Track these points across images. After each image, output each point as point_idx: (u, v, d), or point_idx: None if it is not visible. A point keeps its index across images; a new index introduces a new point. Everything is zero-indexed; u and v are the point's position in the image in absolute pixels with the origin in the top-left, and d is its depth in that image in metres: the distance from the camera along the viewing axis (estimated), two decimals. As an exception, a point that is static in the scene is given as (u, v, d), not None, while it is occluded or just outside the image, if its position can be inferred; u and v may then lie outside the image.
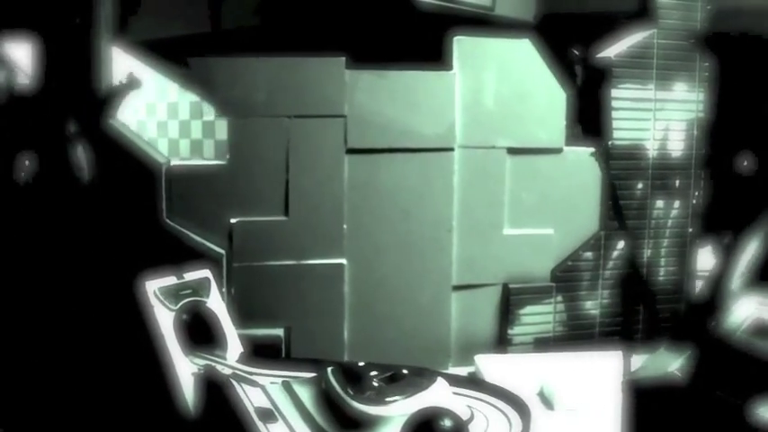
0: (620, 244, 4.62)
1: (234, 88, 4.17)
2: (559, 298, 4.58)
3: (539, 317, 4.55)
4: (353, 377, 3.12)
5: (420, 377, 3.11)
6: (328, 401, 3.09)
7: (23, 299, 4.02)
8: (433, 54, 4.40)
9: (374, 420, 2.92)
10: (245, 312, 4.05)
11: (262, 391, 3.31)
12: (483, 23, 4.52)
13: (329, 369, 3.19)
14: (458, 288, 4.47)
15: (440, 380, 3.10)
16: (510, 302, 4.51)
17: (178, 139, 4.40)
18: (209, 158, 4.30)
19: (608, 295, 4.63)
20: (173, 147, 4.45)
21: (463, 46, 4.38)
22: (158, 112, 4.40)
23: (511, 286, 4.51)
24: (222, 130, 4.20)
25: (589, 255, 4.58)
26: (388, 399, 2.97)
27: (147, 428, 3.58)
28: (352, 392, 3.01)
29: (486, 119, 4.41)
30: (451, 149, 4.37)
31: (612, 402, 3.25)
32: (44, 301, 4.01)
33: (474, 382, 3.24)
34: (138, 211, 4.14)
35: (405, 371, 3.16)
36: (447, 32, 4.42)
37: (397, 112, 4.29)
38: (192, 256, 4.15)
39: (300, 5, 4.50)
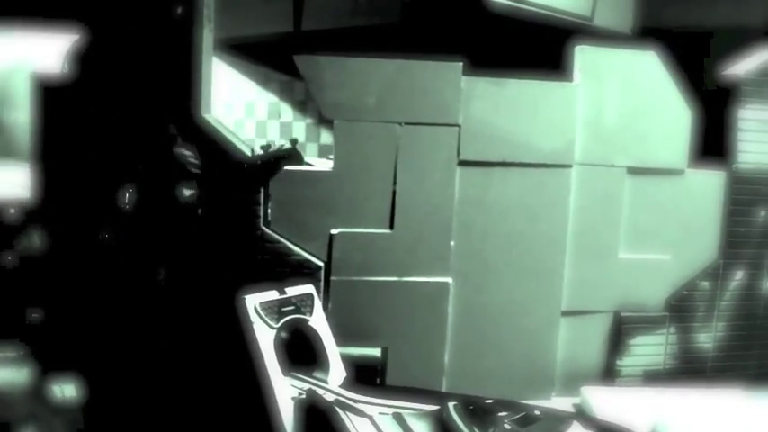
0: (739, 274, 4.32)
1: (343, 90, 3.89)
2: (672, 329, 4.28)
3: (650, 348, 4.26)
4: (480, 416, 2.85)
5: (554, 420, 2.85)
6: (452, 440, 2.82)
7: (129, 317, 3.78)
8: (550, 64, 4.13)
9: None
10: (340, 330, 3.76)
11: (370, 422, 3.07)
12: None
13: (451, 405, 2.94)
14: (567, 314, 4.18)
15: (575, 424, 2.83)
16: (621, 331, 4.22)
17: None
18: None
19: (723, 328, 4.33)
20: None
21: (586, 57, 4.09)
22: (258, 112, 4.14)
23: (623, 314, 4.22)
24: (327, 133, 3.92)
25: (706, 284, 4.29)
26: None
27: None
28: (482, 434, 2.73)
29: (606, 135, 4.12)
30: (569, 166, 4.09)
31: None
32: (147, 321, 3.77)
33: (604, 427, 2.96)
34: (237, 218, 3.89)
35: (537, 412, 2.89)
36: (567, 42, 4.16)
37: (514, 123, 4.01)
38: (289, 266, 3.91)
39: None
